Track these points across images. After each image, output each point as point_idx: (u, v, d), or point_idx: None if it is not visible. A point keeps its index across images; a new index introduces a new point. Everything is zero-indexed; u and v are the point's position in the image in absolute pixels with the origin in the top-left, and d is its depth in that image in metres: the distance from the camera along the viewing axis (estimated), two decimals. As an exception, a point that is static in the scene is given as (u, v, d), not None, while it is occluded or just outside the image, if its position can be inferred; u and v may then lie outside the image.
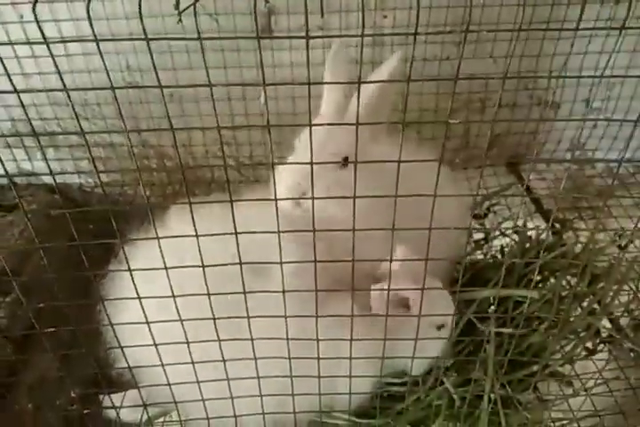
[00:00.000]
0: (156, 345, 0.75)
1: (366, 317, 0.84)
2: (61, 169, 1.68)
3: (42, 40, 0.53)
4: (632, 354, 1.10)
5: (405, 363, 0.94)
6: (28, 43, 1.43)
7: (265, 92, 0.51)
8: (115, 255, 0.84)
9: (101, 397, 1.05)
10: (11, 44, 1.51)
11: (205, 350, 0.78)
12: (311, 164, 0.62)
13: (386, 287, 0.81)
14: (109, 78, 0.55)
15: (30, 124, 0.62)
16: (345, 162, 0.95)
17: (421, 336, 0.82)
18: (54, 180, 0.63)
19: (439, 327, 0.95)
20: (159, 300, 0.72)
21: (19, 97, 0.55)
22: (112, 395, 1.06)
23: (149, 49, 0.50)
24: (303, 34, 0.51)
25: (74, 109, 0.57)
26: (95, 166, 0.62)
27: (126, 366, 0.83)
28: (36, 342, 1.19)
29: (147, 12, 1.47)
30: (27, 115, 0.61)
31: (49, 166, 0.63)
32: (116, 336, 0.77)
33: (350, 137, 0.62)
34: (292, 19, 1.54)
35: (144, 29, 0.49)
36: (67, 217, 0.66)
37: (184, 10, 0.61)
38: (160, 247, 0.67)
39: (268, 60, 1.54)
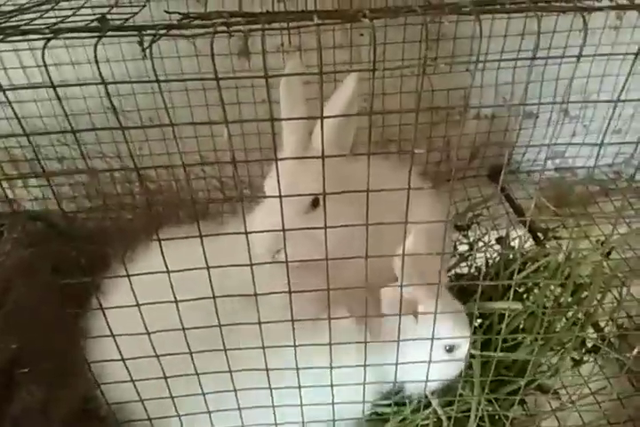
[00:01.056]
0: (133, 381, 0.75)
1: (364, 328, 0.83)
2: (43, 196, 1.67)
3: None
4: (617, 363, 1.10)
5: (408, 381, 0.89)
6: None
7: (228, 129, 0.51)
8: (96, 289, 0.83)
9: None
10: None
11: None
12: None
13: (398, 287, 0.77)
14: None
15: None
16: (314, 202, 0.91)
17: (428, 356, 0.79)
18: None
19: (450, 349, 0.88)
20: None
21: None
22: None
23: (107, 93, 0.50)
24: (279, 55, 0.51)
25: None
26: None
27: (110, 400, 0.82)
28: (21, 373, 1.18)
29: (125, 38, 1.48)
30: None
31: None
32: (92, 374, 0.76)
33: (317, 174, 0.60)
34: (269, 40, 1.56)
35: (100, 74, 0.50)
36: (50, 244, 0.66)
37: (147, 47, 0.62)
38: (132, 285, 0.67)
39: (246, 82, 1.55)
